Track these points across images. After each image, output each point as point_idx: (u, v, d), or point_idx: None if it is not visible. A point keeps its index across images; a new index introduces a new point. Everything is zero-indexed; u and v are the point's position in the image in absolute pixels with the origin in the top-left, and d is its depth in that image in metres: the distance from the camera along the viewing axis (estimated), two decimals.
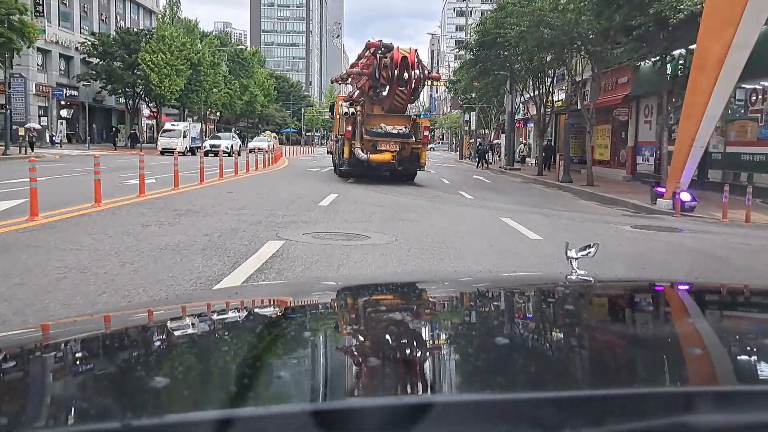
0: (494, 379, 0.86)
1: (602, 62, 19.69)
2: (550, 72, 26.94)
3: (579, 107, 29.30)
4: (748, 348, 1.05)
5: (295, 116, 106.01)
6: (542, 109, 26.76)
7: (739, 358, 0.99)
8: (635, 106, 23.44)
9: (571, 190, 19.24)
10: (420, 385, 0.85)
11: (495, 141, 49.92)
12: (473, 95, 42.13)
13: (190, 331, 1.18)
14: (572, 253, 1.55)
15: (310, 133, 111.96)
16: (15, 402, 0.83)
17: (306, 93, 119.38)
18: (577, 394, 0.77)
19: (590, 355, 1.01)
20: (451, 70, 69.65)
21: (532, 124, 39.59)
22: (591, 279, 1.53)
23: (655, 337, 1.13)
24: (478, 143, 44.84)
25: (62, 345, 1.10)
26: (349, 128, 17.66)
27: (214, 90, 56.76)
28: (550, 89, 26.65)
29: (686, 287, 1.71)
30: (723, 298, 1.56)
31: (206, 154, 32.60)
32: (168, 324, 1.25)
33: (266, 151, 26.82)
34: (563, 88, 30.26)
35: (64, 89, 44.56)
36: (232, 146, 39.53)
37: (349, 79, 20.18)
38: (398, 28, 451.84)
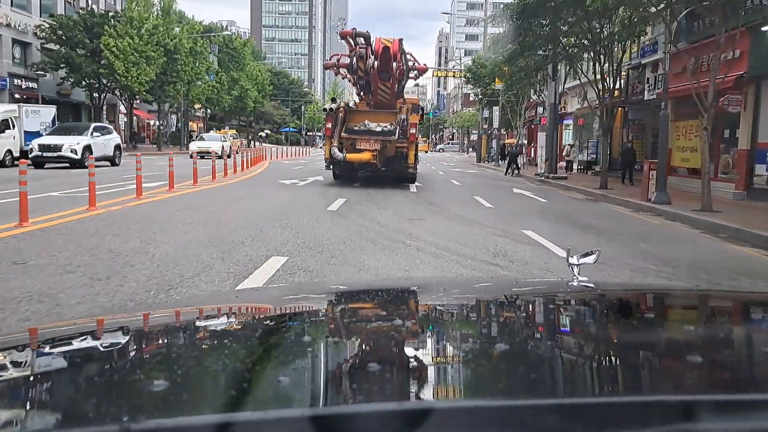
0: (495, 385, 0.87)
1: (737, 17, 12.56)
2: (610, 46, 19.70)
3: (647, 96, 22.15)
4: (751, 356, 1.03)
5: (295, 115, 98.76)
6: (608, 98, 19.51)
7: (740, 365, 0.98)
8: (754, 90, 16.21)
9: (685, 219, 12.10)
10: (420, 390, 0.84)
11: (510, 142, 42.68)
12: (498, 86, 34.88)
13: (189, 334, 1.16)
14: (573, 260, 1.52)
15: (311, 133, 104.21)
16: (16, 404, 0.82)
17: (307, 90, 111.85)
18: (578, 402, 0.76)
19: (591, 362, 0.99)
20: (463, 63, 62.48)
21: (570, 121, 32.41)
22: (593, 285, 1.54)
23: (657, 344, 1.11)
24: (502, 145, 37.56)
25: (63, 347, 1.09)
26: (329, 125, 16.03)
27: (197, 82, 49.76)
28: (619, 70, 19.32)
29: (688, 294, 1.72)
30: (725, 305, 1.51)
31: (38, 163, 20.43)
32: (167, 327, 1.23)
33: (218, 156, 19.52)
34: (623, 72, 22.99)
35: (8, 80, 37.59)
36: (87, 148, 21.43)
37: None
38: (403, 29, 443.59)
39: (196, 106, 54.76)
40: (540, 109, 37.78)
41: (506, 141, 33.41)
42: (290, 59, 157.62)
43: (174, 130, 57.64)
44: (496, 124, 37.17)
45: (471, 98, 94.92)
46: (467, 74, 40.76)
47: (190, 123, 65.34)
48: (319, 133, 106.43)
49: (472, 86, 42.10)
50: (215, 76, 54.43)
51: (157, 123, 51.15)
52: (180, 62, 44.37)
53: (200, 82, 50.39)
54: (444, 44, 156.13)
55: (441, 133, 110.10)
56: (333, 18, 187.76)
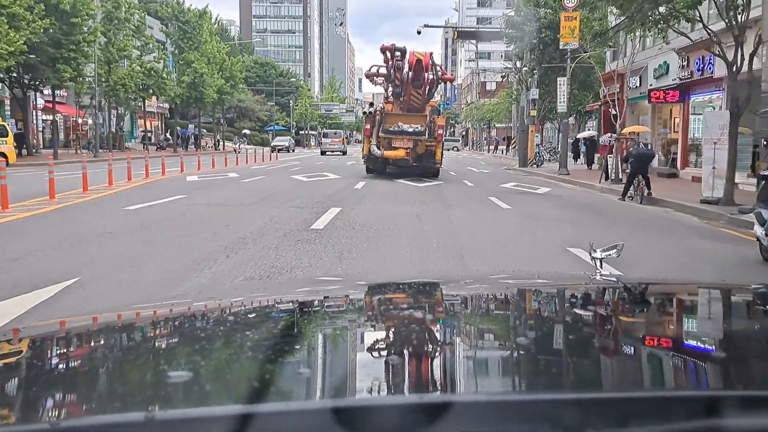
0: (518, 379, 0.88)
1: None
2: None
3: None
4: None
5: (285, 111, 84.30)
6: None
7: (766, 362, 0.96)
8: None
9: None
10: (441, 384, 0.84)
11: (582, 135, 28.14)
12: (569, 45, 20.50)
13: (212, 326, 1.18)
14: (597, 254, 1.50)
15: (303, 132, 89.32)
16: (37, 394, 0.83)
17: (296, 81, 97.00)
18: (601, 396, 0.76)
19: (613, 357, 0.98)
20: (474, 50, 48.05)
21: (719, 93, 17.97)
22: (615, 279, 1.57)
23: (680, 339, 1.11)
24: (575, 140, 23.05)
25: (85, 340, 1.11)
26: (368, 126, 19.02)
27: (121, 62, 35.63)
28: None
29: (711, 289, 1.69)
30: (747, 300, 1.47)
31: None
32: (190, 319, 1.24)
33: None
34: None
35: None
36: None
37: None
38: (406, 28, 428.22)
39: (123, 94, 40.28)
40: (635, 80, 23.36)
41: (628, 132, 18.53)
42: (284, 52, 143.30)
43: (115, 129, 43.29)
44: (563, 107, 22.72)
45: (488, 87, 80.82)
46: (508, 31, 26.46)
47: (140, 120, 51.22)
48: (313, 132, 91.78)
49: (514, 47, 27.69)
50: (156, 56, 40.26)
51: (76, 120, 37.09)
52: (84, 31, 30.27)
53: (129, 62, 36.37)
54: (450, 34, 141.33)
55: (452, 128, 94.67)
56: (331, 8, 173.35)
